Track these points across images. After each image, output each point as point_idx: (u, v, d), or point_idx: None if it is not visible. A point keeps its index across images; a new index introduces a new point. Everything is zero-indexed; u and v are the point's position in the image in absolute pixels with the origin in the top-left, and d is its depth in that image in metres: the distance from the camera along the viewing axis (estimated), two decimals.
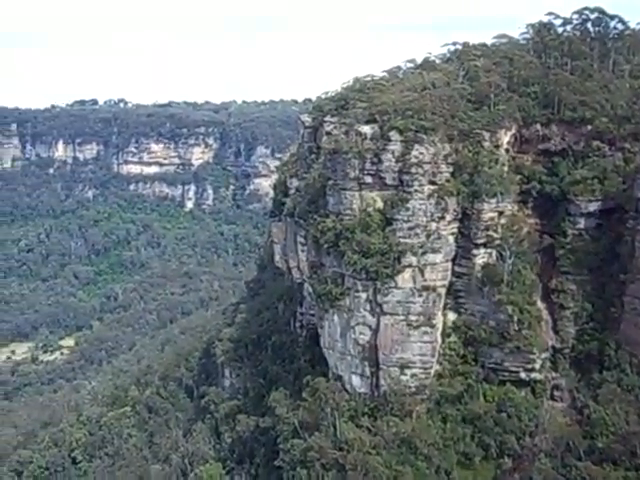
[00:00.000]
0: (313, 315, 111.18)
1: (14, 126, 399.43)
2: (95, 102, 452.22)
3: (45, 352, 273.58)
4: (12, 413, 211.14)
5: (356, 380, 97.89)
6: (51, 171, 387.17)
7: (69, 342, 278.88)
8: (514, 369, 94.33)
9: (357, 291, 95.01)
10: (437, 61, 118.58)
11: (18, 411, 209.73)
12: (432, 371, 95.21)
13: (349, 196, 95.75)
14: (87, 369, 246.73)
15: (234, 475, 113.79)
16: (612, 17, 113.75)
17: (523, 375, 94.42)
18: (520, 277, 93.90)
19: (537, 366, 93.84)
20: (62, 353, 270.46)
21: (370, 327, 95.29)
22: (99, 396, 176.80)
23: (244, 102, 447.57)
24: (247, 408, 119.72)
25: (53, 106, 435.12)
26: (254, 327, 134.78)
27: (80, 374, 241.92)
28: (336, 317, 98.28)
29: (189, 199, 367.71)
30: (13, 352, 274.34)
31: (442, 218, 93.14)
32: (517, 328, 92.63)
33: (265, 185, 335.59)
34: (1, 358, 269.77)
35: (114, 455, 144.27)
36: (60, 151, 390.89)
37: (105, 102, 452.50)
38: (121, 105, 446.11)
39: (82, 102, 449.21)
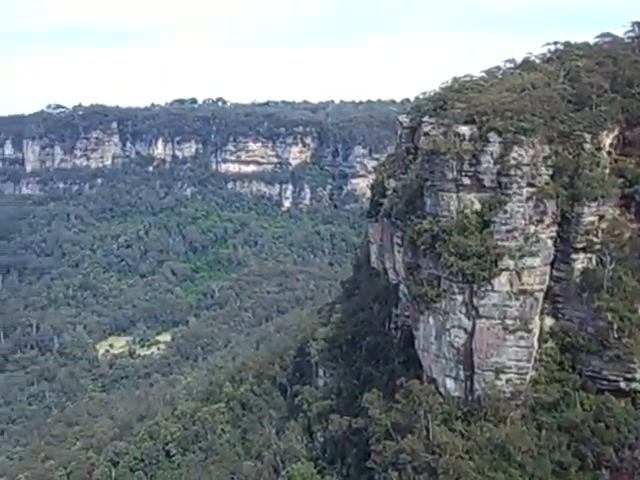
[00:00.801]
0: (408, 317, 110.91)
1: (115, 124, 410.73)
2: (194, 101, 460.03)
3: (142, 346, 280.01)
4: (109, 405, 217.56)
5: (450, 383, 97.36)
6: (150, 169, 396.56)
7: (166, 337, 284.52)
8: (613, 378, 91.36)
9: (453, 293, 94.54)
10: (537, 61, 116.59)
11: (115, 403, 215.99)
12: (528, 377, 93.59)
13: (446, 197, 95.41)
14: (183, 364, 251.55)
15: (325, 475, 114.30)
16: None
17: (623, 385, 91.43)
18: (621, 284, 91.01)
19: (638, 376, 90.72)
20: (159, 348, 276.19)
21: (465, 330, 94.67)
22: (194, 391, 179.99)
23: (342, 102, 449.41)
24: (340, 408, 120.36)
25: (153, 105, 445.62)
26: (349, 327, 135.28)
27: (176, 369, 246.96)
28: (431, 319, 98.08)
29: (286, 198, 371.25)
30: (111, 346, 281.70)
31: (541, 221, 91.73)
32: (617, 336, 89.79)
33: (362, 185, 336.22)
34: (100, 351, 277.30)
35: (207, 450, 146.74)
36: (159, 149, 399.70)
37: (204, 101, 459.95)
38: (220, 104, 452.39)
39: (181, 101, 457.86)
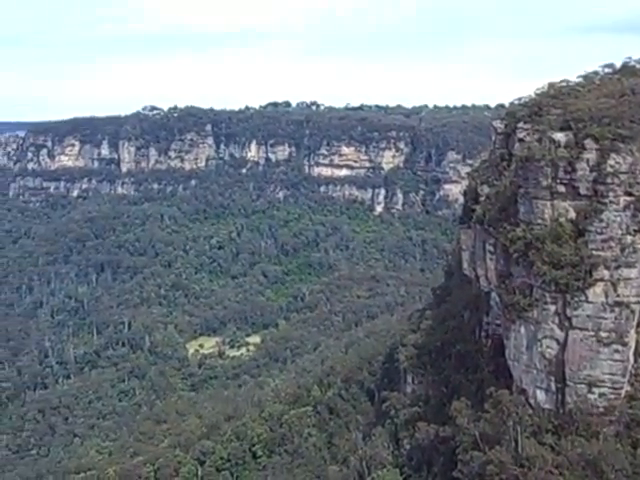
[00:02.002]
0: (499, 325, 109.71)
1: (209, 127, 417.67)
2: (288, 104, 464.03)
3: (232, 347, 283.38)
4: (198, 404, 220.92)
5: (541, 395, 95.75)
6: (244, 171, 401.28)
7: (255, 339, 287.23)
8: None
9: (545, 303, 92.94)
10: (637, 66, 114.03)
11: (203, 403, 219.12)
12: (622, 392, 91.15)
13: (540, 205, 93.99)
14: (271, 367, 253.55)
15: None
16: None
17: None
18: None
19: None
20: (248, 349, 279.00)
21: (558, 341, 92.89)
22: (282, 394, 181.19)
23: (436, 107, 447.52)
24: (428, 416, 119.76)
25: (247, 107, 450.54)
26: (439, 334, 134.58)
27: (264, 371, 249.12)
28: (523, 329, 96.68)
29: (379, 203, 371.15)
30: (201, 346, 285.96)
31: (638, 231, 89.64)
32: None
33: (455, 191, 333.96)
34: (190, 351, 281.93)
35: (293, 453, 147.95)
36: (253, 152, 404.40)
37: (298, 104, 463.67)
38: (313, 108, 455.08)
39: (275, 104, 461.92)
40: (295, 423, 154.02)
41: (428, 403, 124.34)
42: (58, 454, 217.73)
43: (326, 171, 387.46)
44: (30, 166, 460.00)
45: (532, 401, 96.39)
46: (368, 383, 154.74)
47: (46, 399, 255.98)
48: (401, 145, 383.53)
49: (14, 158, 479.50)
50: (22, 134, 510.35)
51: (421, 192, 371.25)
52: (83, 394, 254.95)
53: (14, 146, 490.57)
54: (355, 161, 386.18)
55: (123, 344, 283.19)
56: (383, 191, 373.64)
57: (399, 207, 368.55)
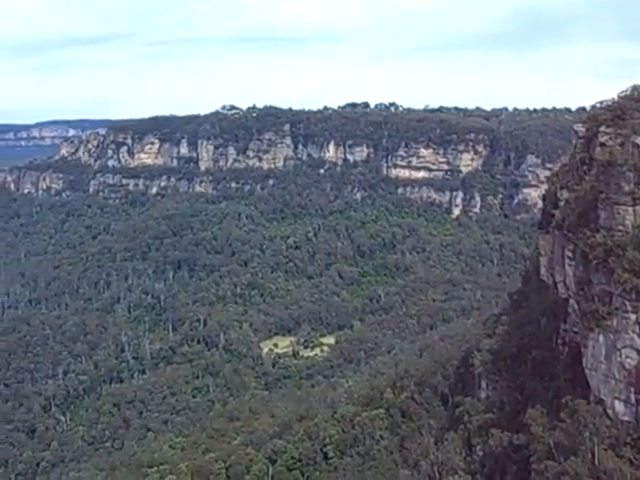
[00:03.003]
0: (577, 333, 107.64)
1: (287, 127, 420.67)
2: (366, 105, 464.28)
3: (306, 348, 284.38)
4: (270, 403, 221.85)
5: (619, 406, 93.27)
6: (321, 171, 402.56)
7: (329, 340, 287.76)
8: None
9: (626, 312, 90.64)
10: None
11: (276, 402, 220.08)
12: None
13: (622, 211, 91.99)
14: (345, 368, 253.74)
15: None
16: None
17: None
18: None
19: None
20: (322, 350, 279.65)
21: (638, 351, 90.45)
22: (355, 395, 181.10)
23: (515, 109, 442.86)
24: (501, 422, 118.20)
25: (325, 108, 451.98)
26: (515, 340, 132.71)
27: (338, 372, 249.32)
28: (601, 337, 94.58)
29: (456, 206, 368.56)
30: (276, 345, 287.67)
31: None
32: None
33: (534, 195, 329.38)
34: (264, 350, 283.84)
35: (365, 455, 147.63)
36: (331, 152, 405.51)
37: (376, 105, 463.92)
38: (392, 109, 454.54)
39: (354, 105, 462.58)
40: (367, 425, 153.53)
41: (502, 410, 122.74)
42: (132, 447, 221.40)
43: (404, 173, 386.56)
44: (110, 163, 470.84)
45: (610, 412, 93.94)
46: (442, 387, 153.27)
47: (121, 393, 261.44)
48: (480, 148, 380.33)
49: (95, 155, 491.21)
50: (103, 132, 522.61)
51: (499, 196, 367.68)
52: (158, 389, 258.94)
53: (95, 143, 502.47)
54: (433, 163, 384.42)
55: (198, 341, 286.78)
56: (461, 194, 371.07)
57: (477, 210, 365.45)
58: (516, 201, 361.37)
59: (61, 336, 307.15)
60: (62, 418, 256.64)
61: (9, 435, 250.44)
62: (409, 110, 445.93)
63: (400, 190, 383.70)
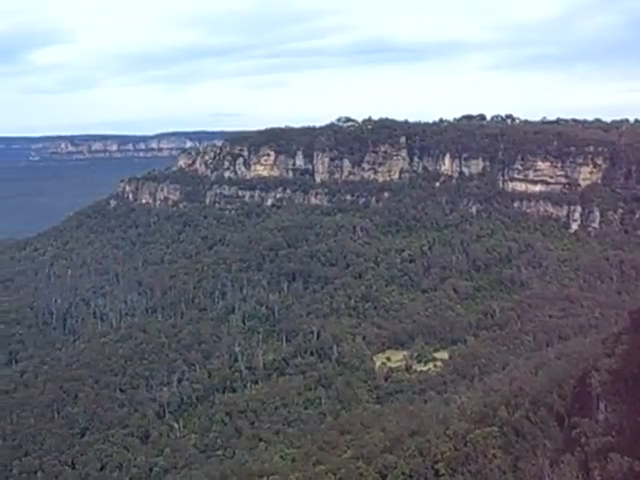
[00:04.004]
0: None
1: (403, 139, 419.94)
2: (483, 117, 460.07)
3: (419, 362, 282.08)
4: (382, 417, 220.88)
5: None
6: (437, 184, 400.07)
7: (443, 355, 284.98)
8: None
9: None
10: None
11: (388, 416, 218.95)
12: None
13: None
14: (458, 383, 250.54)
15: None
16: None
17: None
18: None
19: None
20: (435, 365, 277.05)
21: None
22: (467, 412, 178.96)
23: (637, 121, 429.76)
24: (621, 447, 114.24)
25: (441, 120, 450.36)
26: (635, 361, 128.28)
27: (451, 387, 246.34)
28: None
29: (574, 220, 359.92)
30: (388, 359, 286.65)
31: None
32: None
33: None
34: (377, 363, 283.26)
35: (477, 474, 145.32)
36: (446, 165, 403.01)
37: (492, 118, 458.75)
38: (508, 121, 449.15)
39: (469, 117, 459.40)
40: (480, 443, 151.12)
41: (622, 433, 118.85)
42: (243, 456, 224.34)
43: (520, 186, 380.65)
44: (226, 175, 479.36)
45: None
46: (558, 407, 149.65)
47: (234, 402, 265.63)
48: (599, 160, 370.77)
49: (211, 167, 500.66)
50: (219, 143, 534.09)
51: (620, 210, 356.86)
52: (270, 400, 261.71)
53: (212, 155, 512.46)
54: (551, 177, 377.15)
55: (311, 353, 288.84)
56: (579, 208, 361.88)
57: (596, 225, 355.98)
58: (637, 216, 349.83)
59: (176, 344, 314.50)
60: (175, 425, 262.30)
61: (124, 439, 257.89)
62: (526, 122, 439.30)
63: (516, 204, 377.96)
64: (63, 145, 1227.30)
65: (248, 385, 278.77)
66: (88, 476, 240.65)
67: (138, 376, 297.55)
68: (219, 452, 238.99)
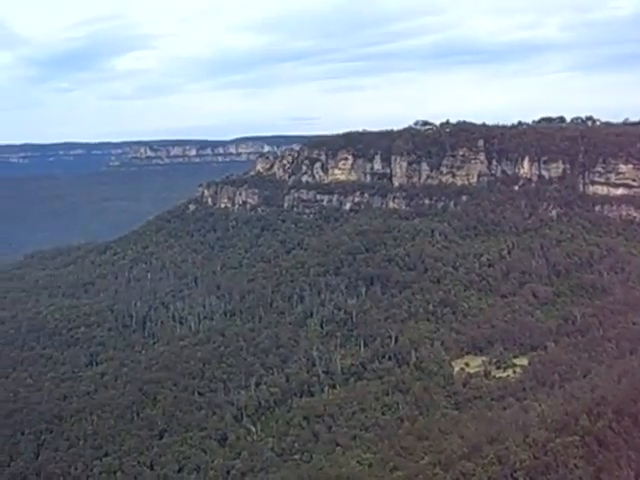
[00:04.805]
0: None
1: (481, 142, 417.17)
2: (562, 120, 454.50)
3: (498, 368, 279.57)
4: (460, 424, 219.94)
5: None
6: (516, 188, 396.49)
7: (522, 361, 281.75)
8: None
9: None
10: None
11: (466, 423, 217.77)
12: None
13: None
14: (538, 390, 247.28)
15: None
16: None
17: None
18: None
19: None
20: (514, 371, 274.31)
21: None
22: (548, 420, 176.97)
23: None
24: None
25: (520, 123, 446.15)
26: None
27: (531, 395, 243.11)
28: None
29: None
30: (467, 364, 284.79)
31: None
32: None
33: None
34: (455, 369, 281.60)
35: None
36: (525, 168, 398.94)
37: (572, 120, 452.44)
38: (589, 123, 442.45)
39: (549, 119, 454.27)
40: (560, 452, 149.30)
41: None
42: (320, 461, 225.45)
43: (602, 190, 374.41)
44: (304, 179, 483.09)
45: None
46: None
47: (311, 406, 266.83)
48: None
49: (289, 171, 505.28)
50: (297, 148, 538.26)
51: None
52: (347, 404, 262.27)
53: (289, 159, 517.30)
54: (633, 180, 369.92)
55: (389, 358, 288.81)
56: None
57: None
58: None
59: (254, 348, 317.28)
60: (253, 428, 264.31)
61: (202, 442, 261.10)
62: (607, 124, 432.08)
63: (597, 207, 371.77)
64: (142, 150, 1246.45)
65: (326, 389, 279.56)
66: (166, 477, 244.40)
67: (216, 379, 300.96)
68: (296, 456, 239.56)
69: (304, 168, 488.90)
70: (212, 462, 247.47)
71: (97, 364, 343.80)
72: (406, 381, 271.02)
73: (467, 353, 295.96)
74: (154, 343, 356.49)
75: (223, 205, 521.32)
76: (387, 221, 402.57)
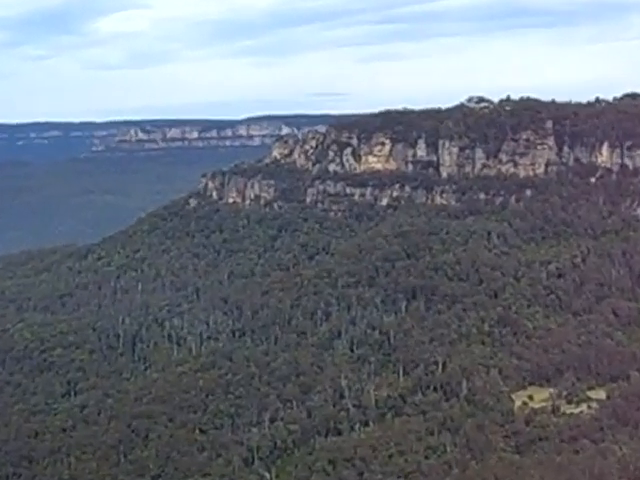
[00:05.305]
0: None
1: (549, 124, 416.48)
2: None
3: (569, 402, 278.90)
4: (522, 470, 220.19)
5: None
6: (592, 180, 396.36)
7: (599, 394, 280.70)
8: None
9: None
10: None
11: (529, 469, 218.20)
12: None
13: None
14: (618, 430, 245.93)
15: None
16: None
17: None
18: None
19: None
20: (589, 406, 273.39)
21: None
22: (630, 467, 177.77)
23: None
24: None
25: (598, 100, 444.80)
26: None
27: (609, 435, 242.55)
28: None
29: None
30: (531, 397, 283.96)
31: None
32: None
33: None
34: (516, 403, 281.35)
35: None
36: (604, 156, 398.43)
37: None
38: None
39: (633, 95, 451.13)
40: None
41: None
42: None
43: None
44: (332, 168, 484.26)
45: None
46: None
47: (338, 448, 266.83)
48: None
49: (313, 158, 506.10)
50: (323, 130, 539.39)
51: None
52: (383, 445, 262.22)
53: (313, 144, 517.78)
54: None
55: (435, 389, 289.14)
56: None
57: None
58: None
59: (269, 376, 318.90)
60: (267, 474, 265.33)
61: None
62: None
63: None
64: (132, 132, 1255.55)
65: (356, 427, 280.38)
66: None
67: (222, 414, 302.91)
68: None
69: (331, 155, 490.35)
70: None
71: (76, 394, 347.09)
72: (455, 418, 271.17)
73: (531, 384, 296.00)
74: (146, 369, 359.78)
75: (231, 200, 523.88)
76: (433, 220, 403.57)
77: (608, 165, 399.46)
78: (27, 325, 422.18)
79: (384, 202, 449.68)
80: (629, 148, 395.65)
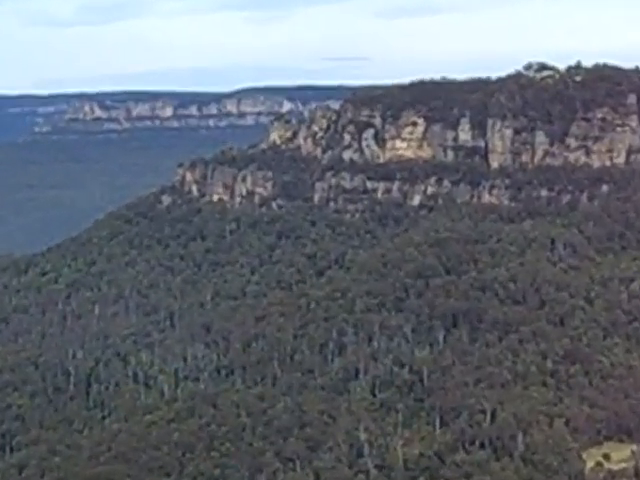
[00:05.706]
0: None
1: (633, 98, 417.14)
2: None
3: None
4: None
5: None
6: None
7: None
8: None
9: None
10: None
11: None
12: None
13: None
14: None
15: None
16: None
17: None
18: None
19: None
20: None
21: None
22: None
23: None
24: None
25: None
26: None
27: None
28: None
29: None
30: (606, 457, 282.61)
31: None
32: None
33: None
34: (588, 464, 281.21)
35: None
36: None
37: None
38: None
39: None
40: None
41: None
42: None
43: None
44: (347, 155, 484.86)
45: None
46: None
47: None
48: None
49: (323, 143, 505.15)
50: (336, 106, 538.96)
51: None
52: None
53: (323, 124, 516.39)
54: None
55: (482, 444, 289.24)
56: None
57: None
58: None
59: (264, 427, 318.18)
60: None
61: None
62: None
63: None
64: (87, 108, 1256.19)
65: None
66: None
67: (203, 477, 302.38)
68: None
69: (347, 139, 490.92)
70: None
71: (12, 450, 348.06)
72: None
73: (607, 439, 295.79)
74: (104, 417, 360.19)
75: (216, 197, 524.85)
76: (480, 224, 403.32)
77: None
78: None
79: (416, 201, 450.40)
80: None
